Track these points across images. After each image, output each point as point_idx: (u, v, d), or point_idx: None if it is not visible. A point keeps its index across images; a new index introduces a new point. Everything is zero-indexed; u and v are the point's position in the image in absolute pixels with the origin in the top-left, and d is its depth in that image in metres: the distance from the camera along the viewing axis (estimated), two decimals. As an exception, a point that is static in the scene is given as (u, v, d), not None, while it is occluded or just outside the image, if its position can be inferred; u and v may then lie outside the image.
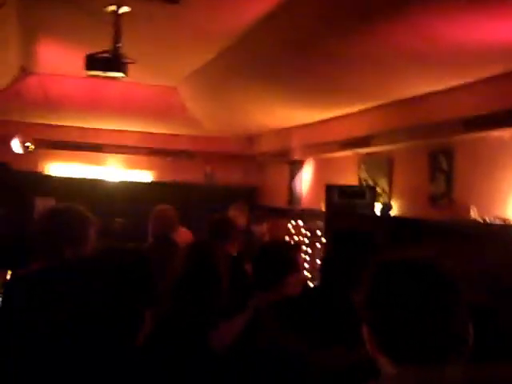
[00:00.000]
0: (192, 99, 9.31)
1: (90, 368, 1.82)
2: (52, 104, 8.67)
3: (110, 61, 5.12)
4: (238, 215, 8.40)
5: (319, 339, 2.48)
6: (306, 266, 7.50)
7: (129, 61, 5.30)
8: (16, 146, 8.74)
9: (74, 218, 2.87)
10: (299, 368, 2.40)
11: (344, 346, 2.34)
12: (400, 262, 1.43)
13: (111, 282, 1.90)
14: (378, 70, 5.81)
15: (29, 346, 2.26)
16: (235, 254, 4.63)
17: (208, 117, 9.78)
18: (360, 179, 8.14)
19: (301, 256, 3.43)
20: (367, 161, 8.08)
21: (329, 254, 2.87)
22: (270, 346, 2.57)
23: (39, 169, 10.24)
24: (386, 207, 7.21)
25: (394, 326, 1.34)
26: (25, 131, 8.81)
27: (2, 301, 2.86)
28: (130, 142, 10.51)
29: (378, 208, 7.28)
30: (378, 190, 7.54)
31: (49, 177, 10.25)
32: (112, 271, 1.93)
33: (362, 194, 7.27)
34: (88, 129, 10.25)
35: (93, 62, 5.12)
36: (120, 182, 10.60)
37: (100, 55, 5.14)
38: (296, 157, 9.71)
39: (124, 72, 5.27)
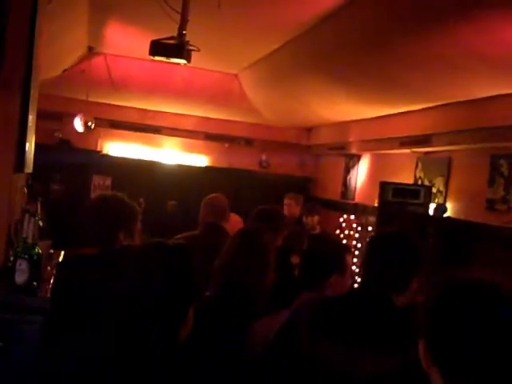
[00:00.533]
0: (252, 88, 9.33)
1: (134, 358, 1.85)
2: (115, 84, 8.80)
3: (174, 47, 5.15)
4: (292, 204, 8.42)
5: (349, 344, 2.46)
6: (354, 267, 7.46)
7: (193, 48, 5.32)
8: (78, 123, 8.91)
9: (125, 207, 2.93)
10: (320, 375, 2.41)
11: (374, 352, 2.33)
12: (467, 283, 1.44)
13: (158, 276, 1.92)
14: (443, 69, 5.71)
15: (75, 329, 2.33)
16: (280, 245, 4.63)
17: (267, 106, 9.78)
18: (416, 178, 8.04)
19: (351, 258, 3.39)
20: (425, 160, 7.97)
21: (366, 255, 2.83)
22: (298, 349, 2.58)
23: (98, 147, 10.42)
24: (441, 208, 7.11)
25: (454, 347, 1.36)
26: (87, 110, 8.96)
27: (55, 281, 2.94)
28: (188, 126, 10.59)
29: (432, 208, 7.19)
30: (434, 190, 7.43)
31: (107, 156, 10.43)
32: (159, 266, 1.95)
33: (417, 193, 7.18)
34: (148, 110, 10.37)
35: (157, 48, 5.17)
36: (176, 164, 10.72)
37: (165, 41, 5.18)
38: (353, 151, 9.64)
39: (187, 59, 5.30)
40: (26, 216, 2.82)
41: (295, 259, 4.33)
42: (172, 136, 10.72)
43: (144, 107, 10.27)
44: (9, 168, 2.69)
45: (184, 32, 5.31)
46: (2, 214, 2.72)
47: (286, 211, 8.06)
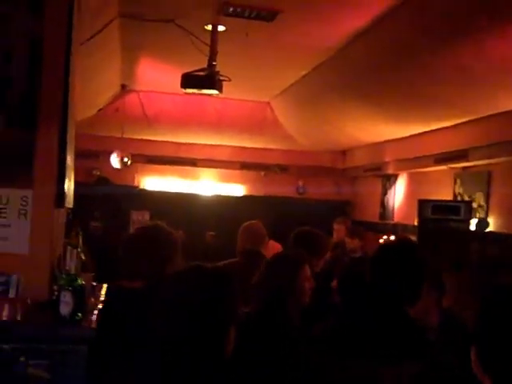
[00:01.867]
0: (285, 114, 9.38)
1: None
2: (149, 120, 8.94)
3: (205, 79, 5.24)
4: (342, 229, 8.36)
5: (369, 358, 2.46)
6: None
7: (224, 78, 5.40)
8: (114, 160, 9.05)
9: (166, 238, 2.96)
10: None
11: (392, 365, 2.33)
12: None
13: (196, 303, 1.94)
14: (474, 83, 5.68)
15: (117, 360, 2.35)
16: (319, 270, 4.60)
17: (301, 131, 9.82)
18: (455, 194, 7.95)
19: None
20: (463, 175, 7.88)
21: (371, 268, 2.81)
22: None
23: (135, 183, 10.55)
24: (483, 223, 7.00)
25: (504, 354, 1.37)
26: (123, 146, 9.10)
27: (101, 312, 2.98)
28: (223, 157, 10.68)
29: (473, 224, 7.09)
30: (474, 205, 7.34)
31: (144, 191, 10.55)
32: (196, 291, 1.96)
33: (457, 209, 7.09)
34: (182, 144, 10.49)
35: (189, 80, 5.26)
36: (213, 195, 10.78)
37: (195, 73, 5.27)
38: (389, 171, 9.59)
39: (218, 89, 5.38)
40: (68, 249, 2.87)
41: (336, 284, 4.32)
42: (208, 167, 10.81)
43: (178, 141, 10.40)
44: (50, 203, 2.75)
45: (214, 63, 5.40)
46: (45, 249, 2.78)
47: (335, 237, 8.04)
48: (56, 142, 2.75)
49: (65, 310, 2.75)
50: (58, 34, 2.92)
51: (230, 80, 5.39)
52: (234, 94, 8.43)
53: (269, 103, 9.26)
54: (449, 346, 2.68)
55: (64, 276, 2.86)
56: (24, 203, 2.73)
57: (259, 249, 4.90)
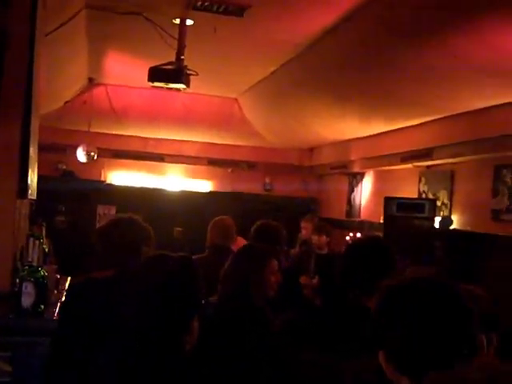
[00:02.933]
0: (252, 111, 9.38)
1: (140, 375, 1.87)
2: (117, 114, 8.87)
3: (173, 73, 5.22)
4: (309, 227, 8.38)
5: (328, 351, 2.49)
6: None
7: (191, 73, 5.38)
8: (81, 154, 8.96)
9: (137, 229, 2.95)
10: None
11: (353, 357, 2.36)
12: (408, 285, 1.46)
13: (160, 290, 1.94)
14: (442, 82, 5.75)
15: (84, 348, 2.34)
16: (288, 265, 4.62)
17: (268, 128, 9.84)
18: (420, 192, 8.05)
19: None
20: (428, 174, 7.98)
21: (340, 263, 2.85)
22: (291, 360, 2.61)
23: (102, 177, 10.47)
24: (446, 221, 7.10)
25: (410, 347, 1.37)
26: (89, 140, 9.02)
27: (65, 304, 2.95)
28: (190, 152, 10.65)
29: (437, 221, 7.18)
30: (439, 203, 7.44)
31: (111, 185, 10.47)
32: (160, 277, 1.97)
33: (422, 206, 7.18)
34: (150, 139, 10.44)
35: (156, 74, 5.23)
36: (180, 191, 10.75)
37: (163, 67, 5.24)
38: (355, 169, 9.67)
39: (186, 84, 5.36)
40: (31, 240, 2.83)
41: (304, 279, 4.34)
42: (175, 163, 10.78)
43: (146, 136, 10.35)
44: (12, 194, 2.72)
45: (182, 57, 5.38)
46: (7, 240, 2.74)
47: (303, 234, 8.06)
48: (18, 132, 2.72)
49: (27, 301, 2.72)
50: (23, 24, 2.88)
51: (197, 74, 5.38)
52: (202, 89, 8.40)
53: (236, 99, 9.25)
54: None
55: (26, 267, 2.83)
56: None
57: (228, 244, 4.91)
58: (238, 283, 3.25)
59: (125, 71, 7.82)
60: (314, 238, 8.26)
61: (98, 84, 8.51)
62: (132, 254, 2.79)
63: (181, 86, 5.30)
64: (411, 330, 1.36)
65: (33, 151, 3.04)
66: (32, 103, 2.85)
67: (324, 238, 8.28)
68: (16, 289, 2.86)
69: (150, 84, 5.33)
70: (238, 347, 2.95)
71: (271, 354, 2.81)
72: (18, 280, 2.87)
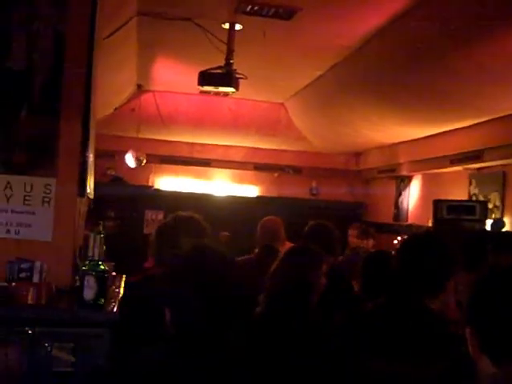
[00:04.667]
0: (299, 115, 9.40)
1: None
2: (164, 120, 8.98)
3: (222, 76, 5.28)
4: (353, 234, 8.35)
5: (390, 357, 2.42)
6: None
7: (240, 76, 5.43)
8: (129, 160, 9.10)
9: (197, 228, 2.99)
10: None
11: (414, 363, 2.30)
12: (507, 269, 1.47)
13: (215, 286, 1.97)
14: (493, 82, 5.67)
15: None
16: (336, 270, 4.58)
17: (315, 133, 9.84)
18: (470, 195, 7.94)
19: None
20: (478, 176, 7.87)
21: (396, 260, 2.77)
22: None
23: (150, 183, 10.59)
24: (498, 223, 6.98)
25: (499, 328, 1.37)
26: (138, 146, 9.15)
27: (126, 298, 3.02)
28: (237, 158, 10.71)
29: (489, 224, 7.07)
30: (490, 205, 7.32)
31: (158, 191, 10.58)
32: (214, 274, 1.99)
33: (472, 209, 7.07)
34: (197, 144, 10.53)
35: (206, 78, 5.30)
36: (227, 196, 10.81)
37: (212, 71, 5.30)
38: (403, 172, 9.59)
39: (235, 87, 5.41)
40: (92, 235, 2.91)
41: (355, 284, 4.31)
42: (222, 168, 10.84)
43: (193, 141, 10.44)
44: (73, 192, 2.79)
45: (231, 61, 5.43)
46: (68, 236, 2.82)
47: (351, 242, 8.03)
48: (79, 130, 2.79)
49: (88, 294, 2.79)
50: (82, 25, 2.95)
51: (246, 78, 5.42)
52: (249, 94, 8.45)
53: (283, 104, 9.28)
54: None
55: (88, 261, 2.90)
56: (48, 191, 2.77)
57: (277, 245, 4.89)
58: (292, 281, 3.20)
59: (173, 77, 7.93)
60: (361, 243, 8.22)
61: (147, 90, 8.64)
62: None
63: (230, 89, 5.36)
64: (502, 313, 1.39)
65: (91, 153, 3.12)
66: (91, 103, 2.92)
67: (371, 242, 8.24)
68: (78, 283, 2.94)
69: (200, 88, 5.39)
70: (291, 347, 2.94)
71: (329, 359, 2.77)
72: (79, 275, 2.95)
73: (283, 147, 10.56)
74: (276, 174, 11.03)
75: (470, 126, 7.50)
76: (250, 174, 10.97)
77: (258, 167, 10.90)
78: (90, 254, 2.90)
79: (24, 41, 2.64)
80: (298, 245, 3.77)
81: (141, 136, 9.06)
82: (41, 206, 2.80)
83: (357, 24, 5.34)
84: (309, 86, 7.88)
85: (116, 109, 8.42)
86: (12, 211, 2.82)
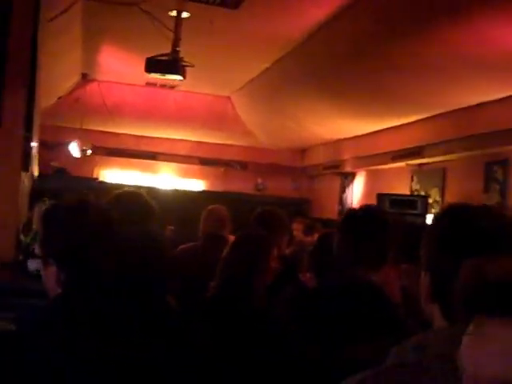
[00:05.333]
0: (245, 109, 9.43)
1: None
2: (110, 111, 8.87)
3: (170, 63, 5.25)
4: (298, 228, 8.40)
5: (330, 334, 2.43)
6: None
7: (187, 64, 5.42)
8: (74, 149, 8.97)
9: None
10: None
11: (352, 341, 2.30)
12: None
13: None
14: (434, 78, 5.80)
15: None
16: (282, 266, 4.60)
17: (261, 127, 9.87)
18: (412, 191, 8.10)
19: None
20: (419, 172, 8.04)
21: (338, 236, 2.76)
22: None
23: (95, 175, 10.46)
24: (438, 218, 7.14)
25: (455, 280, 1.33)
26: (82, 138, 9.03)
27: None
28: (183, 151, 10.67)
29: (429, 219, 7.23)
30: (430, 200, 7.49)
31: (104, 183, 10.46)
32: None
33: (414, 203, 7.23)
34: (143, 137, 10.45)
35: (153, 65, 5.26)
36: (173, 190, 10.75)
37: (160, 58, 5.27)
38: (347, 169, 9.72)
39: (182, 75, 5.39)
40: (37, 206, 2.85)
41: (303, 276, 4.34)
42: (168, 161, 10.79)
43: (139, 133, 10.35)
44: (17, 166, 2.74)
45: (178, 49, 5.41)
46: (12, 210, 2.76)
47: (296, 236, 8.07)
48: (24, 103, 2.75)
49: (32, 265, 2.75)
50: (26, 5, 2.89)
51: (193, 66, 5.42)
52: (195, 87, 8.45)
53: (229, 98, 9.29)
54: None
55: (32, 233, 2.86)
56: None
57: (224, 234, 4.86)
58: (241, 269, 3.22)
59: (119, 67, 7.84)
60: (306, 239, 8.28)
61: (92, 80, 8.53)
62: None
63: (177, 77, 5.33)
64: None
65: (35, 130, 3.08)
66: (36, 78, 2.88)
67: (315, 237, 8.29)
68: (20, 257, 2.89)
69: (147, 75, 5.35)
70: (239, 331, 2.94)
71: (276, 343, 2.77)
72: (22, 248, 2.90)
73: (229, 142, 10.58)
74: (222, 169, 11.03)
75: (411, 123, 7.67)
76: (196, 168, 10.95)
77: (203, 161, 10.89)
78: (35, 226, 2.85)
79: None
80: (247, 231, 3.77)
81: (85, 127, 8.93)
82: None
83: (302, 16, 5.39)
84: (255, 79, 7.92)
85: (60, 98, 8.28)
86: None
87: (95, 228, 1.85)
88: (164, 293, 2.37)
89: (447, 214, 1.46)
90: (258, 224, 4.50)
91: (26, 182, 3.12)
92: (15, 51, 2.66)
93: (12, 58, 2.61)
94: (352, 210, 3.11)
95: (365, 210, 2.77)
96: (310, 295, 2.85)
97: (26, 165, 2.88)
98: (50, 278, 1.81)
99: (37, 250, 1.96)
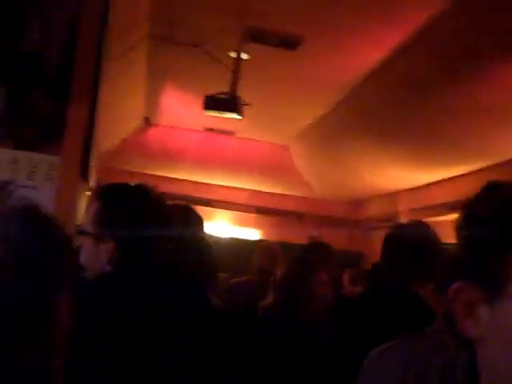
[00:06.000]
0: (301, 158, 9.50)
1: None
2: (169, 156, 9.08)
3: (228, 101, 5.39)
4: (346, 279, 8.31)
5: None
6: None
7: (245, 103, 5.55)
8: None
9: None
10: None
11: None
12: None
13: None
14: (494, 125, 5.73)
15: None
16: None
17: (317, 177, 9.92)
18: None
19: None
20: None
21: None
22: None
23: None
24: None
25: None
26: (142, 181, 9.19)
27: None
28: (239, 200, 10.78)
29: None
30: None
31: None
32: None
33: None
34: (200, 183, 10.61)
35: (211, 102, 5.42)
36: (228, 238, 10.83)
37: (218, 96, 5.42)
38: (403, 220, 9.61)
39: (240, 113, 5.51)
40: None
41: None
42: (224, 209, 10.90)
43: (196, 180, 10.52)
44: (76, 172, 2.84)
45: (236, 89, 5.55)
46: (70, 213, 2.81)
47: (345, 286, 8.00)
48: (86, 114, 2.88)
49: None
50: (90, 39, 3.01)
51: (250, 105, 5.54)
52: (253, 134, 8.59)
53: (286, 146, 9.40)
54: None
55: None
56: (51, 169, 2.81)
57: (276, 270, 4.90)
58: (286, 292, 3.29)
59: (179, 110, 8.05)
60: (348, 289, 8.17)
61: (153, 124, 8.77)
62: None
63: (234, 115, 5.46)
64: None
65: (91, 174, 3.25)
66: (98, 96, 3.02)
67: (359, 289, 8.17)
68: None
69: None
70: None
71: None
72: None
73: (285, 192, 10.66)
74: (278, 219, 11.08)
75: (468, 173, 7.57)
76: (251, 216, 11.03)
77: (260, 211, 10.96)
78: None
79: (37, 24, 2.76)
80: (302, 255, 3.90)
81: (144, 171, 9.15)
82: (44, 183, 2.85)
83: (357, 58, 5.47)
84: (311, 126, 8.00)
85: (122, 141, 8.52)
86: (17, 185, 2.86)
87: (157, 212, 1.90)
88: (207, 293, 2.41)
89: None
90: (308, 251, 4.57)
91: (83, 190, 3.22)
92: (77, 92, 2.79)
93: (73, 99, 2.75)
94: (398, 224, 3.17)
95: (411, 224, 2.82)
96: (355, 302, 2.87)
97: (84, 173, 2.97)
98: (103, 255, 1.84)
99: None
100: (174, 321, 1.87)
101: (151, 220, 1.87)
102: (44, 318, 1.21)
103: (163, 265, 1.94)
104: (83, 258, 1.92)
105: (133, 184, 2.01)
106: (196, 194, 10.59)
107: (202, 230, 2.97)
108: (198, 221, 2.99)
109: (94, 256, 1.89)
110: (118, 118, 7.32)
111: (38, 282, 1.17)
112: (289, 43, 5.25)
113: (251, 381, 2.96)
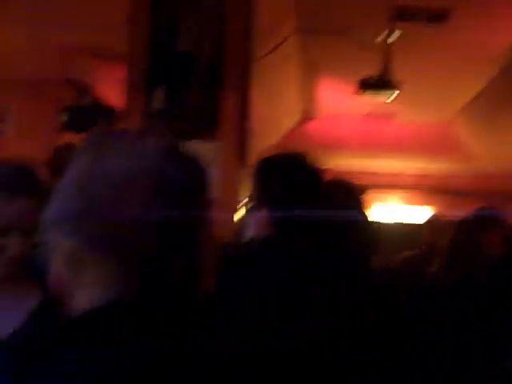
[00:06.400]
0: (469, 133, 9.15)
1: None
2: (330, 146, 9.10)
3: (382, 81, 5.37)
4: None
5: None
6: None
7: (399, 82, 5.50)
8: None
9: None
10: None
11: None
12: None
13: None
14: None
15: None
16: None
17: (487, 150, 9.50)
18: None
19: None
20: None
21: None
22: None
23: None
24: None
25: None
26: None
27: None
28: (407, 183, 10.59)
29: None
30: None
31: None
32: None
33: None
34: (362, 172, 10.51)
35: (366, 84, 5.43)
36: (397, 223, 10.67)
37: (372, 78, 5.43)
38: None
39: (395, 91, 5.46)
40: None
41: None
42: (391, 192, 10.76)
43: (358, 170, 10.44)
44: (234, 157, 2.98)
45: (388, 69, 5.51)
46: (231, 197, 2.94)
47: None
48: (239, 103, 3.02)
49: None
50: (237, 41, 3.14)
51: (403, 82, 5.48)
52: (412, 115, 8.41)
53: (449, 123, 9.09)
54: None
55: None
56: (211, 156, 3.00)
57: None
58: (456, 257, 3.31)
59: (336, 101, 8.06)
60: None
61: (311, 118, 8.85)
62: None
63: (390, 93, 5.43)
64: None
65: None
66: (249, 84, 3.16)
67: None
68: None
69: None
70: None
71: None
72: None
73: (453, 169, 10.31)
74: (449, 197, 10.75)
75: None
76: (420, 197, 10.81)
77: (429, 191, 10.71)
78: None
79: (191, 24, 2.95)
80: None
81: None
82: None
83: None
84: (473, 100, 7.70)
85: (283, 137, 8.66)
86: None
87: (310, 181, 1.97)
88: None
89: None
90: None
91: (242, 175, 3.37)
92: (229, 86, 2.93)
93: (226, 93, 2.89)
94: None
95: None
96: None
97: (243, 158, 3.13)
98: (261, 221, 1.94)
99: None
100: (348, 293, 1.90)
101: (304, 190, 1.93)
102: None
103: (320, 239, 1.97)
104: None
105: (289, 153, 2.10)
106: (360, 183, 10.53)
107: (362, 207, 3.02)
108: (358, 197, 3.03)
109: (252, 222, 1.99)
110: (276, 114, 7.48)
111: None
112: (438, 17, 5.13)
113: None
